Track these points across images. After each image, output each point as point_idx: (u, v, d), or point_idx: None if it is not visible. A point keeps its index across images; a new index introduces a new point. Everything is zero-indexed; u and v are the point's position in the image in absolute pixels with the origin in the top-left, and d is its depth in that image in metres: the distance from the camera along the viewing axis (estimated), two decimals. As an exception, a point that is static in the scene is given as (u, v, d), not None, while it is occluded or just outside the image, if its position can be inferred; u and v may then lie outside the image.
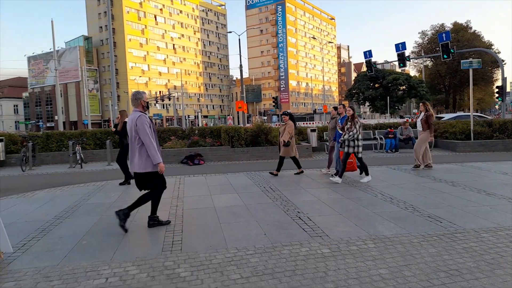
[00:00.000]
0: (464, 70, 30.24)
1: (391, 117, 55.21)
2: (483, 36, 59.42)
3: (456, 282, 3.06)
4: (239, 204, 6.00)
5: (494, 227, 4.47)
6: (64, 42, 78.75)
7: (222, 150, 13.17)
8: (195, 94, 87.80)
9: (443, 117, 19.99)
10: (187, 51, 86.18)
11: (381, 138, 14.65)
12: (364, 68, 77.06)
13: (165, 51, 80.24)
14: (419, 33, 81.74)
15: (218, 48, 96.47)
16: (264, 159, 12.82)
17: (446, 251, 3.74)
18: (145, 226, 4.89)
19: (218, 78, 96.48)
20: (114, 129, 8.90)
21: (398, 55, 23.92)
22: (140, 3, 74.74)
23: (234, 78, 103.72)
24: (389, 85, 59.10)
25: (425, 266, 3.38)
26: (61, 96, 38.56)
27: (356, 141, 7.48)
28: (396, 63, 24.79)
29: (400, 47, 23.64)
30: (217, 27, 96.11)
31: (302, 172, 8.89)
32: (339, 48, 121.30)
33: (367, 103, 66.59)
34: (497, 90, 22.28)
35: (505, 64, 60.84)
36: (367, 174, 7.79)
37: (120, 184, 8.09)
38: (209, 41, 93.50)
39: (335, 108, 8.77)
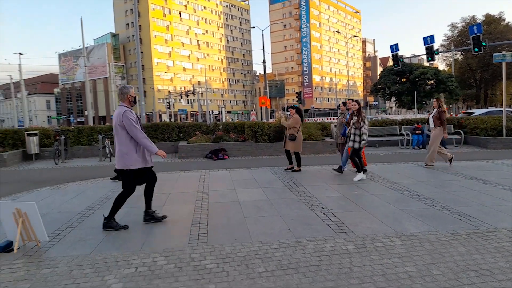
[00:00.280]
0: (496, 63, 29.02)
1: (418, 113, 53.73)
2: (517, 29, 56.71)
3: (487, 282, 2.99)
4: (263, 199, 6.04)
5: (528, 227, 4.31)
6: (92, 39, 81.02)
7: (245, 145, 13.24)
8: (218, 90, 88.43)
9: (474, 113, 19.28)
10: (211, 47, 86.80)
11: (407, 134, 14.30)
12: (390, 62, 75.21)
13: (189, 47, 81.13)
14: (448, 25, 79.08)
15: (241, 43, 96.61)
16: (288, 154, 12.80)
17: (476, 250, 3.65)
18: (172, 219, 5.02)
19: (242, 73, 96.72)
20: None
21: (426, 48, 23.19)
22: (165, 0, 75.77)
23: (257, 74, 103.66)
24: (417, 79, 57.40)
25: (454, 265, 3.31)
26: (90, 91, 39.73)
27: (362, 136, 7.35)
28: (424, 57, 24.03)
29: (428, 40, 22.90)
30: (240, 22, 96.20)
31: (299, 170, 8.66)
32: (364, 42, 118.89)
33: (393, 98, 65.00)
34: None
35: (541, 57, 57.79)
36: (359, 171, 7.52)
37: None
38: (233, 37, 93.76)
39: (344, 104, 8.64)
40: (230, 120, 62.31)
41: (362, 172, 7.47)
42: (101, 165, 11.59)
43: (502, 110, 14.80)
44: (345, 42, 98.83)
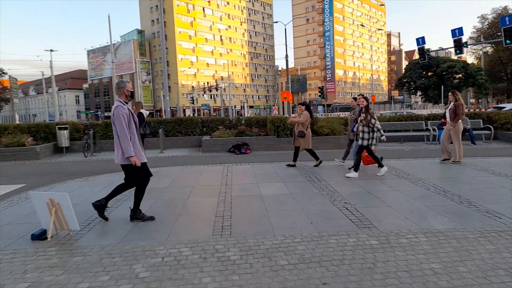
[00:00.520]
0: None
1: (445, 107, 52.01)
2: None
3: (516, 280, 2.91)
4: (285, 193, 6.06)
5: (561, 226, 4.14)
6: (119, 36, 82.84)
7: (268, 140, 13.27)
8: (241, 85, 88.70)
9: (504, 107, 18.54)
10: (234, 42, 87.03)
11: (434, 129, 13.92)
12: (416, 56, 73.13)
13: (212, 42, 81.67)
14: (478, 17, 75.97)
15: (264, 38, 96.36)
16: (310, 149, 12.73)
17: (506, 249, 3.55)
18: (196, 212, 5.12)
19: (264, 68, 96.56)
20: None
21: (455, 41, 22.44)
22: (189, -4, 76.46)
23: (280, 69, 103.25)
24: (444, 73, 55.62)
25: (482, 263, 3.24)
26: (117, 87, 40.71)
27: (371, 133, 7.21)
28: (452, 50, 23.26)
29: (456, 32, 22.15)
30: (263, 17, 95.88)
31: (294, 165, 8.71)
32: (389, 35, 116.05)
33: (419, 93, 63.33)
34: None
35: None
36: (381, 166, 7.43)
37: None
38: (255, 32, 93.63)
39: (355, 99, 8.48)
40: (255, 114, 62.47)
41: (356, 172, 7.33)
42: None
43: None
44: (369, 36, 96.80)
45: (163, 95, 23.83)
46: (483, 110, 24.18)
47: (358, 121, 7.35)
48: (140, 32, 77.32)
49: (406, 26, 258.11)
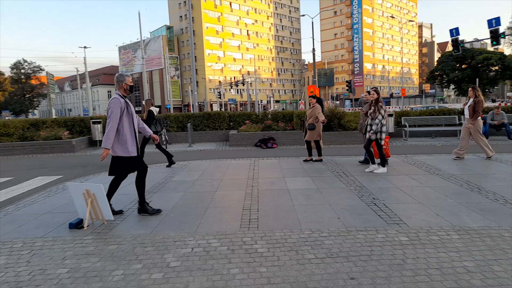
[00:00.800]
0: None
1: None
2: None
3: (555, 281, 2.79)
4: (312, 188, 6.05)
5: None
6: (149, 32, 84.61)
7: (294, 134, 13.23)
8: (267, 79, 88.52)
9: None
10: (260, 37, 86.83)
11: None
12: (449, 48, 70.32)
13: (239, 37, 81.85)
14: (519, 5, 71.70)
15: (290, 32, 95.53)
16: (337, 144, 12.59)
17: (544, 248, 3.40)
18: (224, 205, 5.21)
19: (290, 62, 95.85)
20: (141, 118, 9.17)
21: (491, 32, 21.38)
22: (216, -9, 76.86)
23: (306, 63, 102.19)
24: (479, 65, 53.17)
25: (518, 262, 3.13)
26: (147, 82, 41.74)
27: (382, 128, 7.02)
28: (488, 41, 22.22)
29: (493, 22, 21.10)
30: (290, 11, 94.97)
31: (321, 160, 8.65)
32: (420, 27, 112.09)
33: (452, 86, 60.88)
34: None
35: None
36: (383, 165, 7.20)
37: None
38: (282, 26, 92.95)
39: (369, 93, 8.25)
40: (283, 109, 62.29)
41: (376, 164, 7.27)
42: (157, 152, 12.19)
43: None
44: (400, 28, 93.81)
45: (191, 90, 24.20)
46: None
47: (368, 114, 7.27)
48: (169, 28, 78.63)
49: (439, 17, 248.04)
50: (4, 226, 4.53)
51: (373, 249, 3.50)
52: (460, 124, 13.80)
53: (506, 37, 51.03)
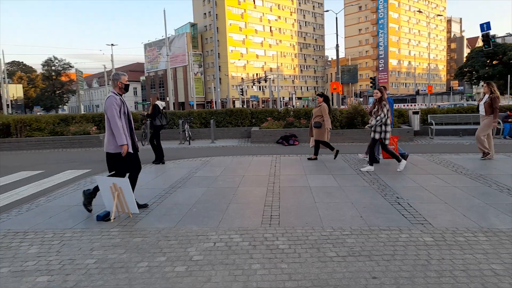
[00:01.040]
0: None
1: (512, 99, 47.82)
2: None
3: None
4: (334, 185, 6.01)
5: None
6: (173, 29, 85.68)
7: (316, 132, 13.12)
8: (289, 76, 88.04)
9: None
10: (283, 33, 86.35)
11: (498, 123, 12.88)
12: (479, 43, 67.65)
13: (262, 34, 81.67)
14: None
15: (314, 28, 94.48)
16: (360, 141, 12.42)
17: None
18: (245, 201, 5.25)
19: (313, 59, 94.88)
20: (146, 112, 9.19)
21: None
22: (240, -12, 76.90)
23: (329, 59, 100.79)
24: (511, 61, 50.96)
25: (549, 266, 3.01)
26: (171, 79, 42.37)
27: (383, 126, 6.87)
28: (523, 35, 21.29)
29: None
30: (313, 6, 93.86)
31: (315, 159, 8.54)
32: (449, 21, 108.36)
33: (482, 83, 58.61)
34: None
35: None
36: (399, 161, 7.10)
37: (153, 162, 8.60)
38: (305, 22, 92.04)
39: (380, 90, 8.03)
40: (304, 106, 61.88)
41: (372, 166, 7.16)
42: (181, 148, 12.43)
43: None
44: (427, 22, 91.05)
45: (214, 87, 24.41)
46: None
47: (372, 113, 7.18)
48: (193, 25, 79.41)
49: (469, 11, 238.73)
50: (36, 217, 4.75)
51: (396, 248, 3.45)
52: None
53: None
